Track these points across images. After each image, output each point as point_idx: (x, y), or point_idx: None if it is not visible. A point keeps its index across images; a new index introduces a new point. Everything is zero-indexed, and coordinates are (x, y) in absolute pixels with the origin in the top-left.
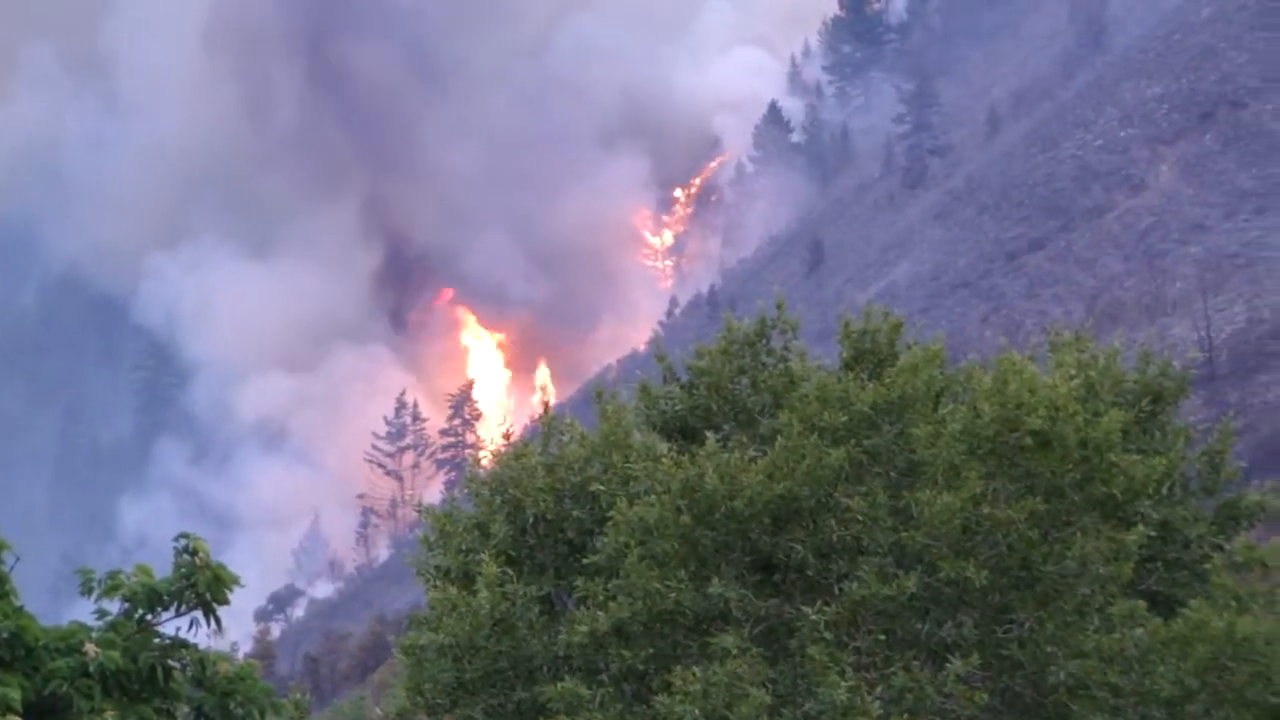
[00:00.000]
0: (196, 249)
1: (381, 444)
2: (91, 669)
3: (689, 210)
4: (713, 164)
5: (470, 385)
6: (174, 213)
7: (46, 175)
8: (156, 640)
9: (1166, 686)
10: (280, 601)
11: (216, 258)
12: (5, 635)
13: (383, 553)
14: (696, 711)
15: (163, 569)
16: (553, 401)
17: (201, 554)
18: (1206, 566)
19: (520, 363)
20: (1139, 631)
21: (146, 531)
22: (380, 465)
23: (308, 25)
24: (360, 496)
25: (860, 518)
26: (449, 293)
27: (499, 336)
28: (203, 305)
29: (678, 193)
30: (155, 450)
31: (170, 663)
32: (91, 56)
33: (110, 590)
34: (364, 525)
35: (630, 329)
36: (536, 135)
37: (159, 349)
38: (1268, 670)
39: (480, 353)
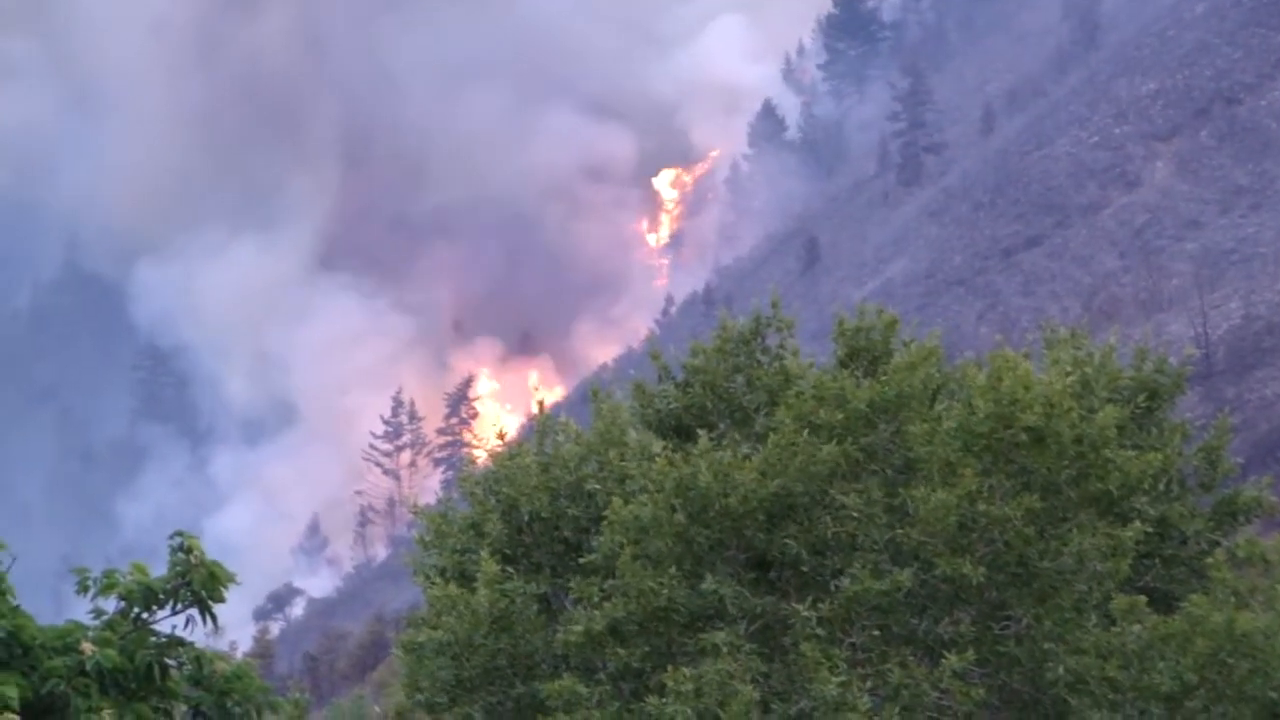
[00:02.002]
0: (188, 238)
1: (379, 443)
2: (89, 668)
3: (684, 208)
4: (707, 161)
5: (467, 383)
6: (164, 205)
7: (34, 174)
8: (153, 639)
9: (1165, 682)
10: (279, 600)
11: (208, 246)
12: (2, 635)
13: (381, 551)
14: (689, 711)
15: (160, 568)
16: (547, 400)
17: (196, 552)
18: (1207, 561)
19: (514, 361)
20: (1137, 627)
21: (144, 530)
22: (378, 464)
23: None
24: (358, 493)
25: (855, 514)
26: (441, 290)
27: (492, 336)
28: (197, 296)
29: (672, 190)
30: (152, 448)
31: (167, 661)
32: (59, 49)
33: (106, 589)
34: (362, 524)
35: (625, 327)
36: (528, 133)
37: (155, 346)
38: (1267, 665)
39: (474, 352)
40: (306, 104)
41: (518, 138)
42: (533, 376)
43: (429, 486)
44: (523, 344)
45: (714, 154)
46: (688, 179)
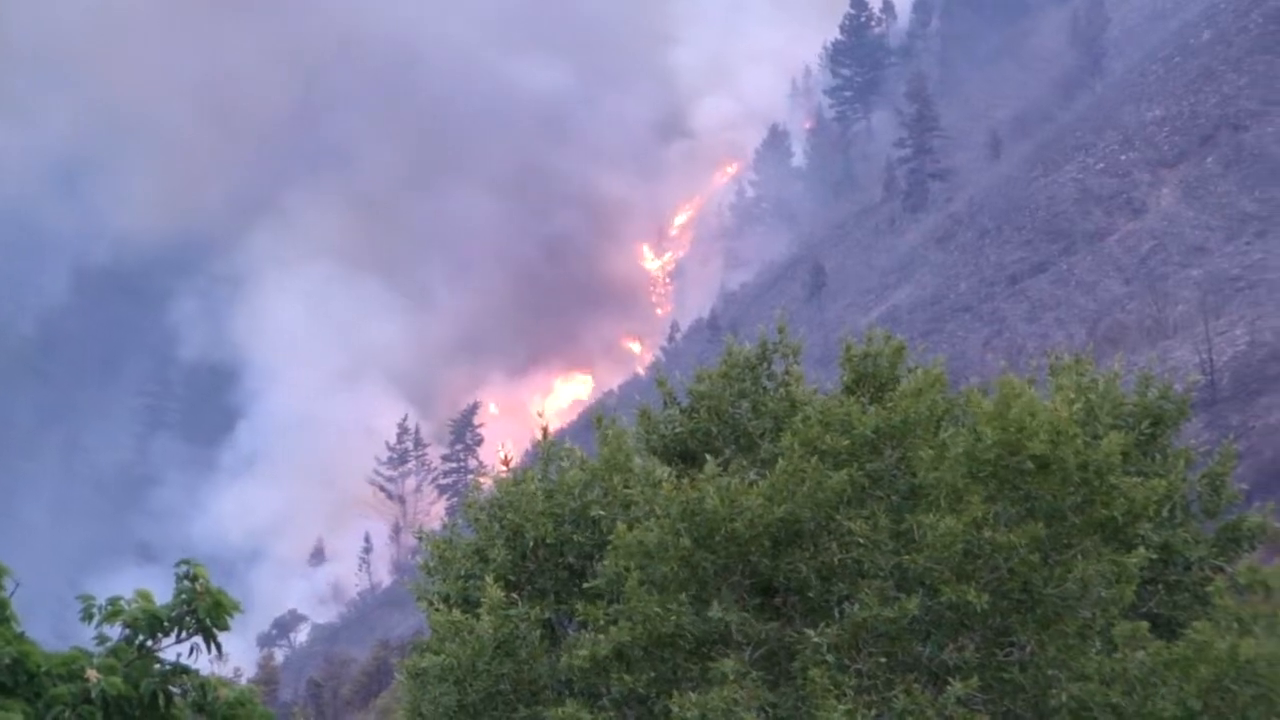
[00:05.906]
0: (197, 261)
1: (383, 469)
2: (93, 695)
3: (689, 233)
4: (710, 186)
5: (472, 410)
6: (173, 229)
7: (39, 199)
8: (157, 666)
9: (1169, 708)
10: (283, 627)
11: (217, 271)
12: (6, 662)
13: (385, 577)
14: None
15: (166, 593)
16: (552, 427)
17: (202, 580)
18: (1208, 589)
19: (518, 386)
20: (1141, 654)
21: (150, 554)
22: (382, 489)
23: None
24: (362, 517)
25: (862, 540)
26: (449, 304)
27: (497, 362)
28: (205, 319)
29: (677, 214)
30: (158, 472)
31: (171, 688)
32: (67, 79)
33: (111, 616)
34: (366, 550)
35: (630, 354)
36: (543, 159)
37: (161, 371)
38: (1270, 693)
39: (480, 379)
40: (315, 123)
41: (534, 181)
42: (535, 401)
43: (434, 513)
44: (526, 368)
45: (720, 177)
46: (694, 205)
